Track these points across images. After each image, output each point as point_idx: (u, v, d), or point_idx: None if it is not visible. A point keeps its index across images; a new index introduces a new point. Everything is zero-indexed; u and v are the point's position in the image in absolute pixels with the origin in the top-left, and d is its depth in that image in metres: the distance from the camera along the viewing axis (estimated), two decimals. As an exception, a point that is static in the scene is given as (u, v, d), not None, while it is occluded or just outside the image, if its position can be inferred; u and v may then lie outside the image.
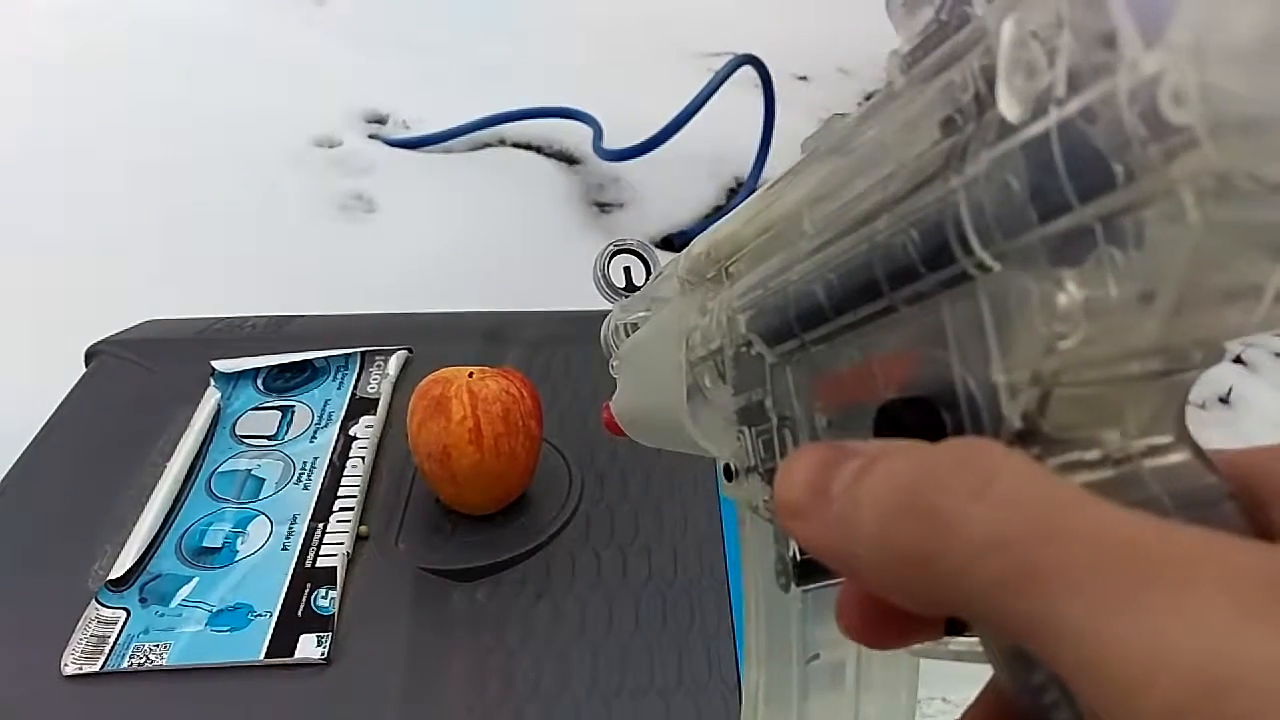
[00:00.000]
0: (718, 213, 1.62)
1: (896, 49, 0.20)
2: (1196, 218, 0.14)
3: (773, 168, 1.65)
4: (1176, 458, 0.18)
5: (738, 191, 1.68)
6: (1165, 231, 0.14)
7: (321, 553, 0.63)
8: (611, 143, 1.61)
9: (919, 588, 0.17)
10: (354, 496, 0.66)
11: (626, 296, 0.43)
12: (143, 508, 0.65)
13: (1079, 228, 0.15)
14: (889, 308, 0.20)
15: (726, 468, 0.31)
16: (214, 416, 0.73)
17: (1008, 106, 0.16)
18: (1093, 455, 0.18)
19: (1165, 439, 0.18)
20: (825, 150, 0.24)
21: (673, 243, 1.56)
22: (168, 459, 0.69)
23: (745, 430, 0.29)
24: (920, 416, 0.20)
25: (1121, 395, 0.18)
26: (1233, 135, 0.13)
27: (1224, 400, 1.36)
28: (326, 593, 0.60)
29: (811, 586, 0.28)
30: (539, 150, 1.71)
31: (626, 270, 0.47)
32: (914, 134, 0.20)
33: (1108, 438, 0.18)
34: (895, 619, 0.20)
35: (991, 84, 0.17)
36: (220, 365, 0.76)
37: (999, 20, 0.16)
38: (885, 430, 0.22)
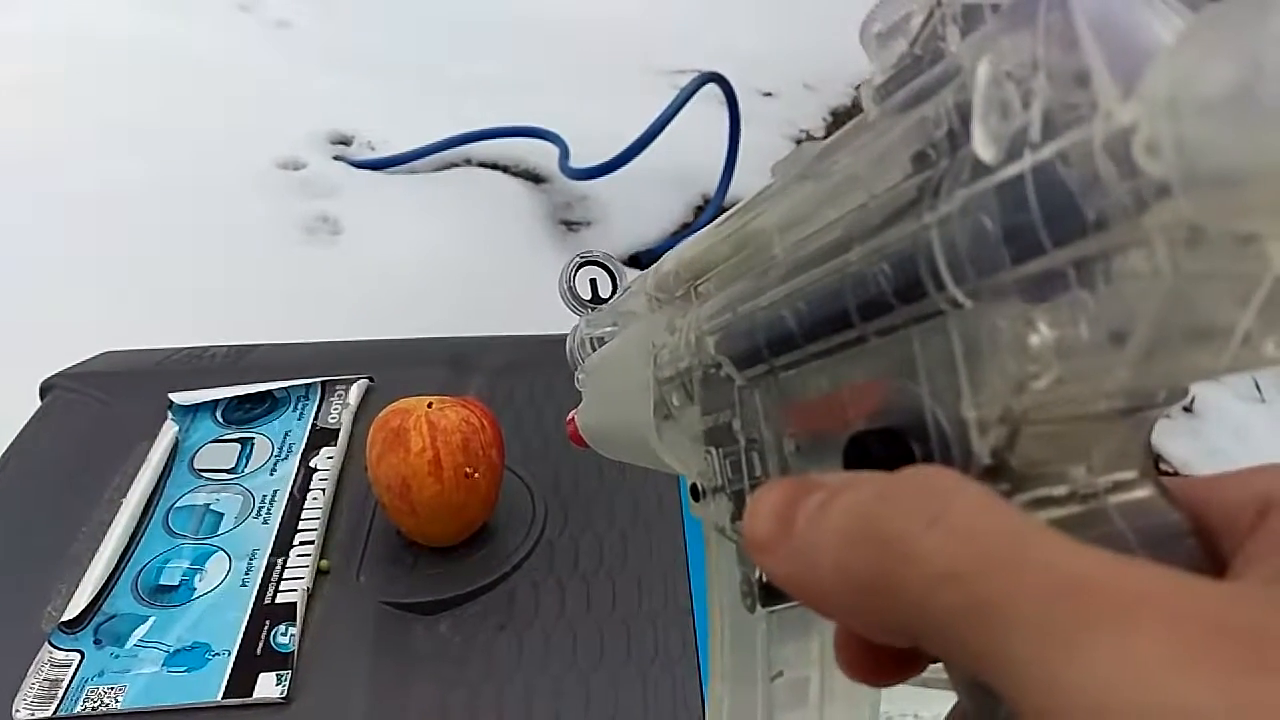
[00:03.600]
0: (685, 229, 1.63)
1: (870, 79, 0.20)
2: (1168, 267, 0.14)
3: (739, 184, 1.66)
4: (1141, 493, 0.18)
5: (705, 208, 1.68)
6: (1138, 276, 0.14)
7: (281, 588, 0.62)
8: (578, 161, 1.61)
9: (879, 617, 0.17)
10: (314, 530, 0.66)
11: (592, 309, 0.43)
12: (98, 546, 0.64)
13: (1052, 270, 0.15)
14: (860, 338, 0.21)
15: (693, 487, 0.31)
16: (172, 450, 0.72)
17: (983, 147, 0.16)
18: (1060, 491, 0.18)
19: (1130, 474, 0.18)
20: (796, 176, 0.24)
21: (640, 260, 1.57)
22: (124, 495, 0.68)
23: (713, 451, 0.29)
24: (890, 448, 0.20)
25: (1088, 432, 0.18)
26: (1205, 188, 0.13)
27: (1188, 409, 1.37)
28: (286, 629, 0.59)
29: (777, 607, 0.28)
30: (505, 170, 1.71)
31: (593, 282, 0.47)
32: (887, 166, 0.20)
33: (1074, 473, 0.18)
34: (889, 654, 0.20)
35: (965, 121, 0.17)
36: (178, 397, 0.75)
37: (974, 59, 0.17)
38: (854, 461, 0.22)
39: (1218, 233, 0.13)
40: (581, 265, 0.46)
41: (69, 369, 0.79)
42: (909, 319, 0.19)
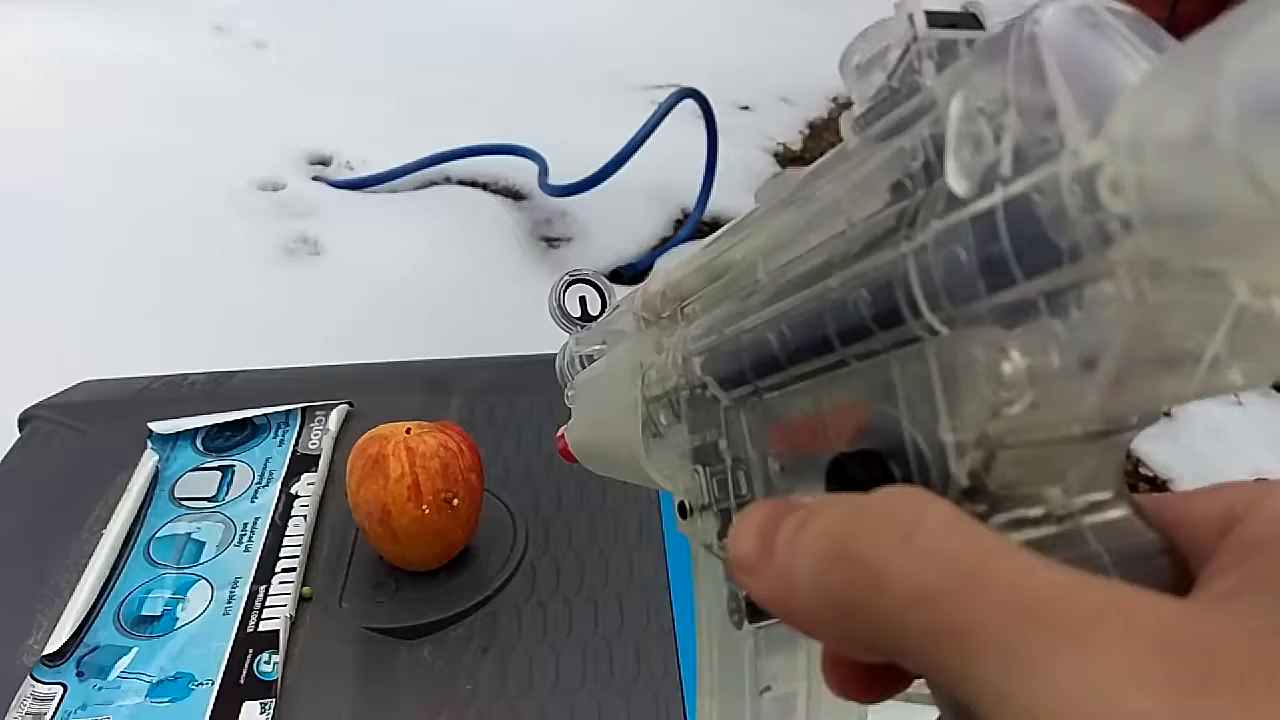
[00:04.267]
0: (665, 244, 1.64)
1: (851, 110, 0.21)
2: (1134, 298, 0.14)
3: (717, 197, 1.67)
4: (1115, 513, 0.19)
5: (684, 222, 1.69)
6: (1106, 306, 0.15)
7: (264, 616, 0.62)
8: (557, 178, 1.61)
9: (855, 636, 0.17)
10: (296, 557, 0.66)
11: (582, 327, 0.44)
12: (79, 577, 0.64)
13: (1025, 299, 0.16)
14: (841, 362, 0.21)
15: (681, 505, 0.31)
16: (152, 479, 0.72)
17: (956, 181, 0.17)
18: (1036, 512, 0.18)
19: (1105, 495, 0.19)
20: (780, 201, 0.24)
21: (621, 275, 1.58)
22: (105, 525, 0.68)
23: (700, 469, 0.30)
24: (870, 470, 0.21)
25: (1063, 454, 0.18)
26: (1165, 226, 0.13)
27: (1167, 414, 1.39)
28: (269, 657, 0.60)
29: (764, 623, 0.28)
30: (485, 187, 1.72)
31: (582, 300, 0.47)
32: (866, 194, 0.20)
33: (1050, 494, 0.19)
34: (874, 671, 0.21)
35: (941, 153, 0.17)
36: (158, 426, 0.75)
37: (948, 94, 0.17)
38: (836, 482, 0.22)
39: (1180, 268, 0.14)
40: (571, 283, 0.46)
41: (48, 399, 0.79)
42: (888, 344, 0.19)
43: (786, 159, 1.89)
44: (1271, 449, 1.37)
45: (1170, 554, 0.18)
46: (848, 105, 0.21)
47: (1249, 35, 0.12)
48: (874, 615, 0.16)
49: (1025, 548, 0.16)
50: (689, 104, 1.62)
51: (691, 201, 1.69)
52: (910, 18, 0.19)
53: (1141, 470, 1.33)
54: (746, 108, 2.01)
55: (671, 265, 0.31)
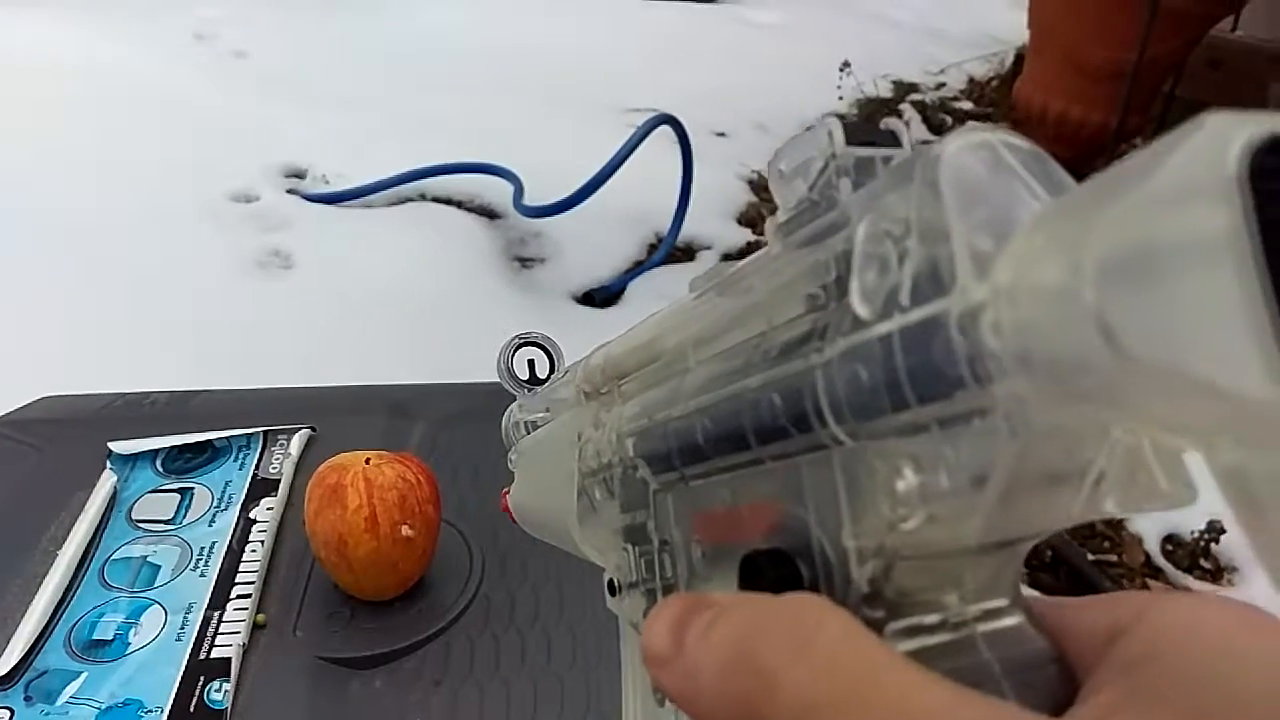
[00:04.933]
0: (638, 267, 1.65)
1: (775, 216, 0.22)
2: (1007, 435, 0.15)
3: (691, 222, 1.69)
4: (1009, 621, 0.19)
5: (658, 246, 1.70)
6: (991, 434, 0.16)
7: (217, 643, 0.62)
8: (532, 198, 1.62)
9: None
10: (252, 583, 0.66)
11: (529, 389, 0.44)
12: (31, 599, 0.64)
13: (919, 421, 0.17)
14: (758, 459, 0.22)
15: (610, 583, 0.31)
16: (110, 500, 0.72)
17: (859, 303, 0.17)
18: (932, 619, 0.19)
19: (1000, 603, 0.19)
20: (711, 291, 0.25)
21: (593, 297, 1.59)
22: (60, 546, 0.68)
23: (630, 547, 0.30)
24: (779, 569, 0.21)
25: (960, 564, 0.19)
26: (1037, 370, 0.14)
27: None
28: (220, 685, 0.59)
29: None
30: (460, 205, 1.72)
31: (530, 363, 0.48)
32: (785, 299, 0.21)
33: (947, 600, 0.19)
34: None
35: (850, 271, 0.18)
36: (118, 446, 0.75)
37: (859, 214, 0.18)
38: (748, 577, 0.23)
39: (1055, 407, 0.15)
40: (520, 345, 0.47)
41: (5, 415, 0.79)
42: (799, 448, 0.20)
43: (760, 186, 1.91)
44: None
45: (1059, 662, 0.19)
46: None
47: (1117, 196, 0.13)
48: None
49: (917, 659, 0.17)
50: (665, 129, 1.63)
51: (666, 226, 1.70)
52: (830, 134, 0.19)
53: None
54: (722, 134, 2.02)
55: (614, 341, 0.32)
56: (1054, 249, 0.14)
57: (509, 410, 0.45)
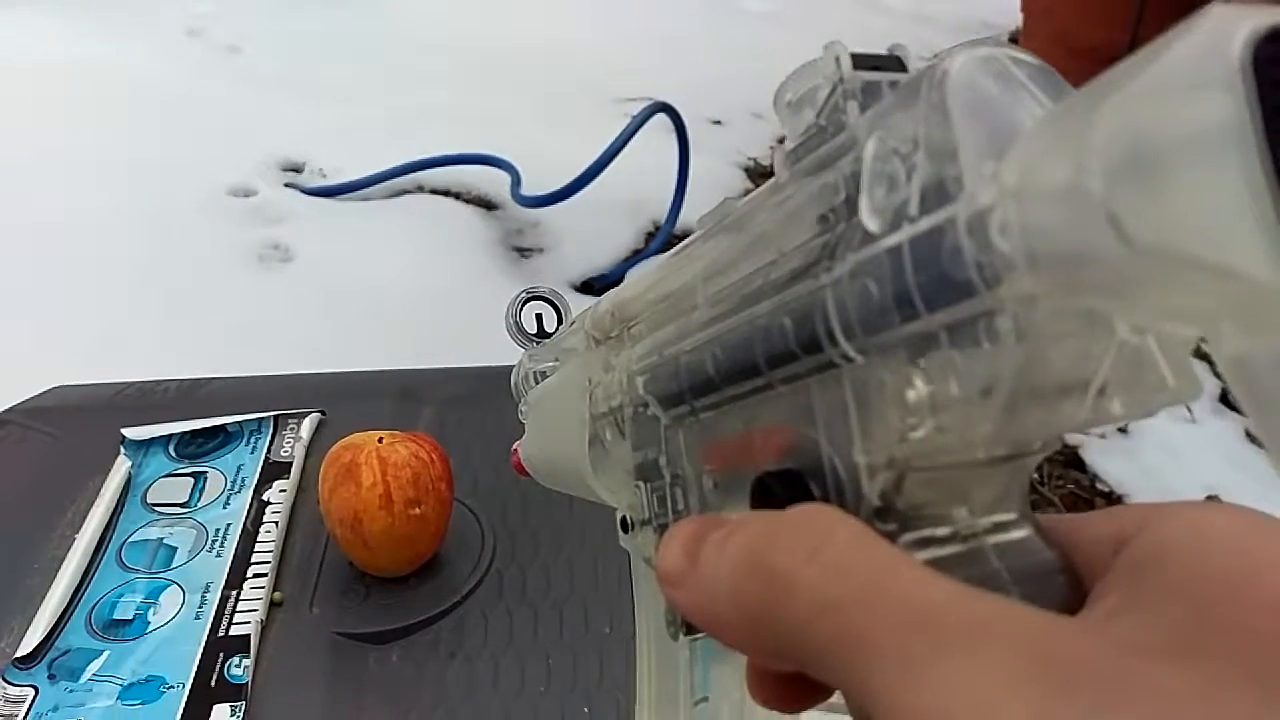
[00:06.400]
0: (636, 256, 1.66)
1: (784, 143, 0.22)
2: (1023, 333, 0.16)
3: (689, 210, 1.69)
4: (1017, 534, 0.20)
5: (655, 234, 1.71)
6: (1000, 339, 0.16)
7: (235, 620, 0.63)
8: (530, 188, 1.63)
9: (769, 646, 0.18)
10: (268, 563, 0.67)
11: (538, 343, 0.45)
12: (51, 581, 0.65)
13: (929, 331, 0.17)
14: (768, 385, 0.22)
15: (623, 520, 0.32)
16: (124, 485, 0.73)
17: (868, 218, 0.18)
18: (942, 531, 0.20)
19: (1009, 516, 0.20)
20: (719, 228, 0.26)
21: (592, 286, 1.59)
22: (77, 530, 0.69)
23: (642, 485, 0.31)
24: (791, 489, 0.22)
25: (969, 477, 0.20)
26: (1045, 268, 0.15)
27: (1123, 430, 1.42)
28: (240, 661, 0.61)
29: (698, 636, 0.29)
30: (458, 197, 1.73)
31: (538, 317, 0.48)
32: (794, 226, 0.21)
33: (957, 514, 0.20)
34: (793, 681, 0.22)
35: (860, 189, 0.18)
36: (130, 432, 0.76)
37: (866, 134, 0.18)
38: (760, 499, 0.24)
39: (1064, 306, 0.15)
40: (528, 300, 0.47)
41: (20, 404, 0.80)
42: (809, 370, 0.21)
43: (757, 174, 1.92)
44: (1224, 465, 1.41)
45: (1067, 572, 0.20)
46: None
47: (1121, 92, 0.13)
48: (785, 625, 0.18)
49: (927, 565, 0.17)
50: (662, 118, 1.64)
51: (663, 214, 1.71)
52: (837, 59, 0.20)
53: (1098, 485, 1.36)
54: (719, 122, 2.03)
55: (622, 285, 0.32)
56: (1060, 147, 0.14)
57: (519, 363, 0.46)
